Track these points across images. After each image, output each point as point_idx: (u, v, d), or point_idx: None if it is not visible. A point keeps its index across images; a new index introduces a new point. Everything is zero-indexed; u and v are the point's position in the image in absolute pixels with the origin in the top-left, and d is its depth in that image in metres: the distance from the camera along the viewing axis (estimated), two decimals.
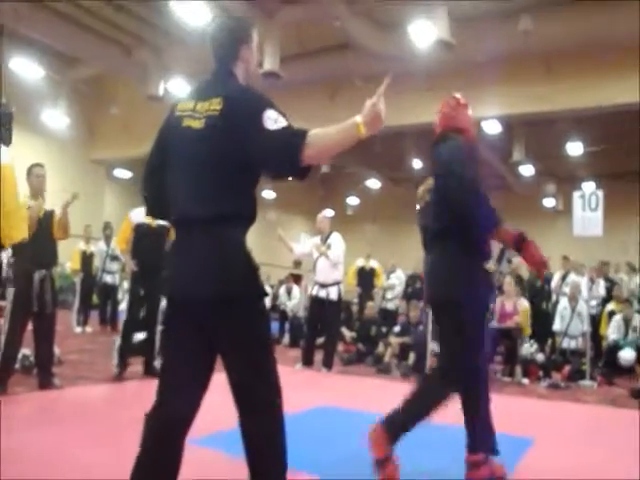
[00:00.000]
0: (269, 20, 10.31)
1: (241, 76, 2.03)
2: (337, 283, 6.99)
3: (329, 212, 7.95)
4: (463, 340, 2.71)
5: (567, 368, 7.20)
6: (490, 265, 2.90)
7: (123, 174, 17.89)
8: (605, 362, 7.75)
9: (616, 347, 7.82)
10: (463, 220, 2.67)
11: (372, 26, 10.67)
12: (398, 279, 11.12)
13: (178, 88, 12.57)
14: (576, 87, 10.51)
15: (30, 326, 4.71)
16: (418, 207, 3.06)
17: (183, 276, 1.91)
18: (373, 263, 10.43)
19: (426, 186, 2.92)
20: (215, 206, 1.87)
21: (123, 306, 6.03)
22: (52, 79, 13.86)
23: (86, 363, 6.28)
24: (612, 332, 8.07)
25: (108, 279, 10.12)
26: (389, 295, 10.87)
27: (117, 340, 5.57)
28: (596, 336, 8.27)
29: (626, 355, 7.63)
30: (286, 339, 10.12)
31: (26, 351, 5.12)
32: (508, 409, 3.29)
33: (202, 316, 1.87)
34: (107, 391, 5.11)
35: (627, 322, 8.03)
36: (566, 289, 8.54)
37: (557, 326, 8.18)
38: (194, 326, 1.90)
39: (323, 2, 9.67)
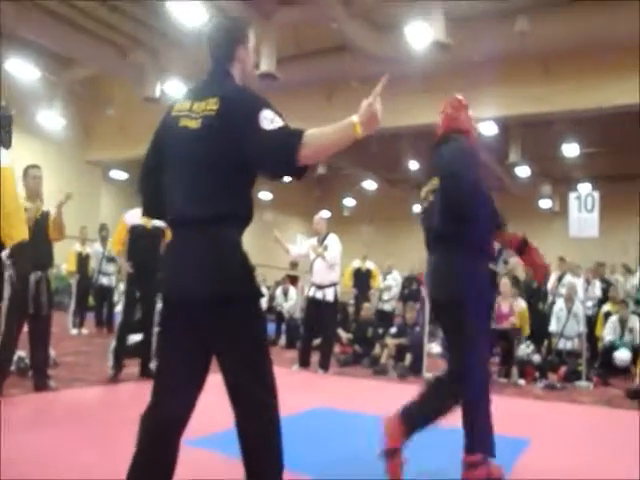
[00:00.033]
0: (266, 21, 10.31)
1: (238, 76, 2.04)
2: (334, 284, 6.99)
3: (325, 213, 7.95)
4: (465, 340, 2.71)
5: (563, 369, 7.21)
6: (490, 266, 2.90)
7: (119, 175, 17.86)
8: (601, 363, 7.76)
9: (612, 348, 7.83)
10: (464, 220, 2.67)
11: (369, 28, 10.68)
12: (394, 280, 11.14)
13: (174, 89, 12.55)
14: (574, 88, 10.51)
15: (26, 328, 4.69)
16: (421, 207, 3.06)
17: (179, 276, 1.91)
18: (369, 264, 10.44)
19: (430, 187, 2.92)
20: (211, 206, 1.87)
21: (119, 308, 6.01)
22: (48, 80, 13.83)
23: (82, 365, 6.26)
24: (608, 333, 8.09)
25: (104, 281, 10.09)
26: (385, 296, 10.88)
27: (112, 342, 5.56)
28: (592, 337, 8.29)
29: (622, 356, 7.65)
30: (282, 340, 10.10)
31: (22, 353, 5.10)
32: (504, 410, 3.29)
33: (198, 316, 1.87)
34: (103, 393, 5.09)
35: (623, 323, 8.05)
36: (562, 290, 8.56)
37: (553, 327, 8.19)
38: (190, 326, 1.89)
39: (320, 4, 9.67)
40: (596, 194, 7.00)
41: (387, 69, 2.12)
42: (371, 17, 10.61)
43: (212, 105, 1.88)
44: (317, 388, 6.04)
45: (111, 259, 9.88)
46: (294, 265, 12.61)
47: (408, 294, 10.75)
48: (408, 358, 7.31)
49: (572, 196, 7.10)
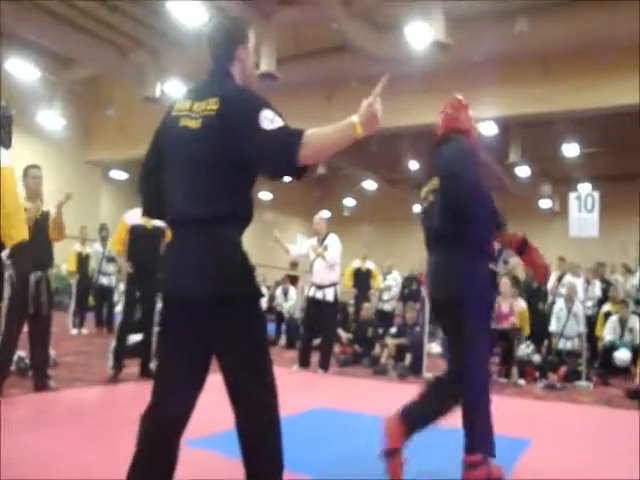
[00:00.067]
0: (266, 21, 10.31)
1: (238, 76, 2.04)
2: (334, 284, 6.99)
3: (325, 213, 7.95)
4: (465, 340, 2.71)
5: (563, 369, 7.21)
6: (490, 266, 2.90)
7: (119, 175, 17.86)
8: (601, 363, 7.76)
9: (612, 348, 7.83)
10: (464, 220, 2.67)
11: (369, 28, 10.68)
12: (394, 280, 11.14)
13: (174, 90, 12.55)
14: (574, 88, 10.50)
15: (26, 328, 4.69)
16: (421, 207, 3.05)
17: (179, 276, 1.91)
18: (369, 264, 10.43)
19: (430, 186, 2.91)
20: (211, 206, 1.87)
21: (119, 308, 6.01)
22: (48, 80, 13.83)
23: (82, 365, 6.26)
24: (608, 333, 8.08)
25: (104, 281, 10.08)
26: (385, 296, 10.88)
27: (112, 342, 5.55)
28: (592, 337, 8.29)
29: (621, 355, 7.65)
30: (282, 340, 10.10)
31: (22, 353, 5.10)
32: (504, 410, 3.29)
33: (198, 316, 1.87)
34: (103, 393, 5.09)
35: (623, 323, 8.05)
36: (562, 290, 8.56)
37: (553, 327, 8.20)
38: (190, 326, 1.89)
39: (320, 4, 9.67)
40: (596, 194, 7.00)
41: (387, 69, 2.12)
42: (371, 17, 10.61)
43: (212, 105, 1.88)
44: (317, 388, 6.04)
45: (111, 259, 9.87)
46: (294, 265, 12.61)
47: (408, 294, 10.75)
48: (408, 358, 7.31)
49: (572, 196, 7.10)
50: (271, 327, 9.93)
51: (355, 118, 1.77)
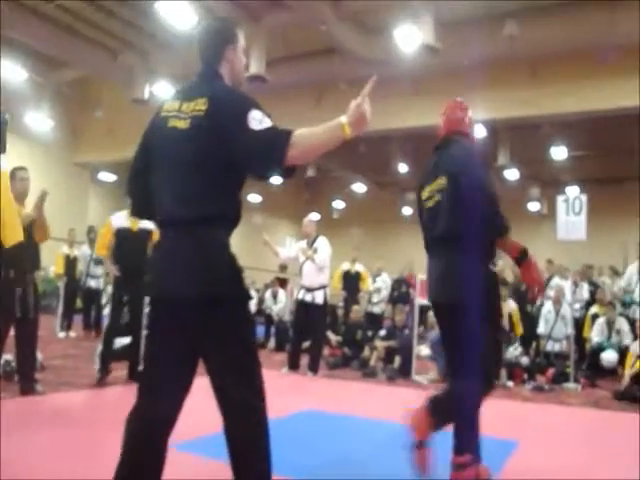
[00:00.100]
0: (255, 23, 10.31)
1: (227, 77, 2.03)
2: (323, 287, 6.99)
3: (315, 216, 7.94)
4: (465, 341, 2.71)
5: (551, 371, 7.25)
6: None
7: (107, 177, 17.74)
8: (588, 364, 7.82)
9: (599, 349, 7.89)
10: (476, 219, 2.65)
11: (358, 30, 10.71)
12: (384, 283, 11.14)
13: (163, 91, 12.50)
14: (561, 92, 10.58)
15: (12, 331, 4.64)
16: (424, 207, 3.03)
17: (166, 277, 1.89)
18: (359, 267, 10.42)
19: (435, 186, 2.90)
20: (199, 207, 1.86)
21: (107, 311, 5.98)
22: (35, 82, 13.73)
23: (70, 368, 6.21)
24: (595, 335, 8.14)
25: (92, 283, 10.00)
26: (375, 299, 10.88)
27: (99, 345, 5.52)
28: (580, 339, 8.34)
29: (609, 357, 7.71)
30: (272, 343, 10.08)
31: (8, 357, 5.05)
32: (493, 412, 3.30)
33: (185, 317, 1.85)
34: (90, 396, 5.05)
35: (610, 325, 8.10)
36: (550, 292, 8.61)
37: (541, 329, 8.24)
38: (177, 327, 1.88)
39: (309, 6, 9.69)
40: (584, 197, 7.05)
41: (376, 72, 2.12)
42: (360, 20, 10.65)
43: (201, 105, 1.87)
44: (306, 391, 6.03)
45: (99, 261, 9.79)
46: (283, 268, 12.58)
47: (397, 296, 10.76)
48: (397, 360, 7.32)
49: (560, 199, 7.15)
50: (260, 330, 9.92)
51: (344, 119, 1.77)
